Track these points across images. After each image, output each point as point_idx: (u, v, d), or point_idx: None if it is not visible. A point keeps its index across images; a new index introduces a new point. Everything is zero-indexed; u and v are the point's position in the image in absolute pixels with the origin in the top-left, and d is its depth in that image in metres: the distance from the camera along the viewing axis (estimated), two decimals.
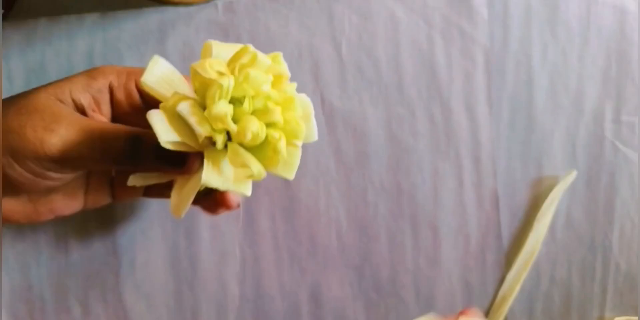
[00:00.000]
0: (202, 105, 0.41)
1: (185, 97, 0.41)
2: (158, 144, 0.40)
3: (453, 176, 0.60)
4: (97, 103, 0.46)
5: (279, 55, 0.43)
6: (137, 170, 0.46)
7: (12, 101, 0.45)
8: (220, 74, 0.40)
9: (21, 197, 0.46)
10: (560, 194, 0.61)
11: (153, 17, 0.57)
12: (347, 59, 0.58)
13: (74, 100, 0.45)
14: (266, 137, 0.40)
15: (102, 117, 0.47)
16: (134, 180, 0.46)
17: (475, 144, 0.60)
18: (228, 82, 0.39)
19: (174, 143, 0.40)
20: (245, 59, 0.41)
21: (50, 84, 0.46)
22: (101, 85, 0.46)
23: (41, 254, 0.57)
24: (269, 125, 0.40)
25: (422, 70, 0.59)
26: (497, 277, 0.61)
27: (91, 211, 0.51)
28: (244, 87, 0.40)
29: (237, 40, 0.57)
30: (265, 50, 0.57)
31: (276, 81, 0.42)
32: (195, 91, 0.42)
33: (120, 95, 0.47)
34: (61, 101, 0.44)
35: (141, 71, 0.44)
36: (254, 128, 0.39)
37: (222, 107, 0.39)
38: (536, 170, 0.61)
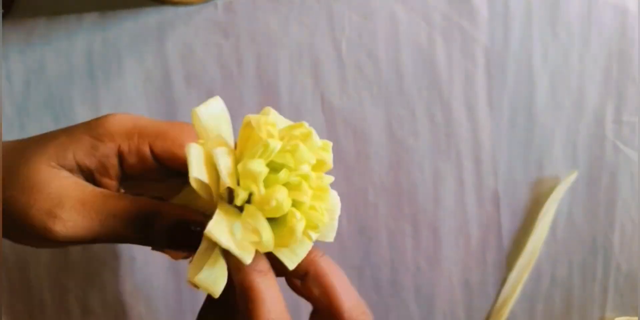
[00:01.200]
0: (238, 159, 0.39)
1: (226, 144, 0.40)
2: (171, 225, 0.39)
3: (453, 176, 0.60)
4: (104, 167, 0.42)
5: (330, 145, 0.41)
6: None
7: (12, 169, 0.41)
8: (270, 135, 0.39)
9: None
10: (561, 194, 0.61)
11: (152, 16, 0.57)
12: (347, 59, 0.58)
13: (78, 164, 0.41)
14: (287, 214, 0.38)
15: (110, 182, 0.43)
16: None
17: (475, 144, 0.60)
18: (275, 144, 0.38)
19: (198, 183, 0.38)
20: (298, 132, 0.40)
21: (49, 144, 0.41)
22: (109, 150, 0.41)
23: (41, 254, 0.57)
24: (294, 204, 0.38)
25: (423, 69, 0.59)
26: (497, 278, 0.61)
27: None
28: (287, 157, 0.38)
29: (237, 40, 0.57)
30: (265, 50, 0.58)
31: (317, 167, 0.40)
32: (238, 143, 0.40)
33: (132, 160, 0.42)
34: (63, 166, 0.41)
35: (154, 132, 0.42)
36: (281, 197, 0.37)
37: (259, 166, 0.37)
38: (537, 170, 0.61)
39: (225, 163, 0.38)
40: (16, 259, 0.56)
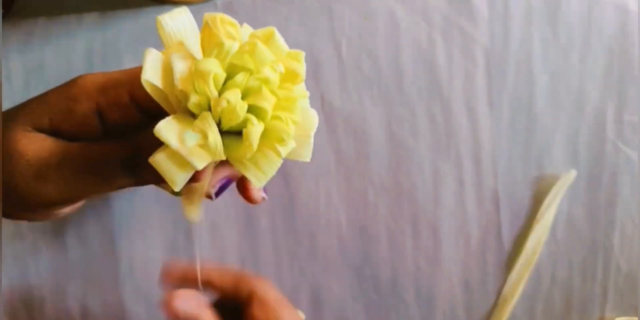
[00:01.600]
0: None
1: (186, 52, 0.36)
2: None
3: (453, 176, 0.60)
4: (84, 126, 0.40)
5: (302, 54, 0.39)
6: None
7: None
8: (230, 36, 0.36)
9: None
10: (561, 193, 0.61)
11: (152, 16, 0.57)
12: (347, 59, 0.58)
13: (56, 128, 0.40)
14: (244, 121, 0.36)
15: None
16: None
17: (475, 144, 0.60)
18: (232, 44, 0.36)
19: (152, 88, 0.36)
20: (261, 33, 0.38)
21: (22, 108, 0.41)
22: (87, 110, 0.39)
23: (41, 254, 0.57)
24: (255, 112, 0.36)
25: (423, 70, 0.59)
26: (497, 278, 0.61)
27: (90, 211, 0.51)
28: (245, 58, 0.36)
29: None
30: None
31: (287, 77, 0.38)
32: (202, 49, 0.38)
33: (113, 114, 0.40)
34: (41, 130, 0.40)
35: (128, 80, 0.40)
36: (233, 99, 0.35)
37: (210, 65, 0.35)
38: (537, 171, 0.61)
39: (180, 67, 0.35)
40: (16, 259, 0.56)
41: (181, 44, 0.37)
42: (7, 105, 0.55)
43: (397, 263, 0.60)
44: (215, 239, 0.58)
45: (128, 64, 0.57)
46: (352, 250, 0.60)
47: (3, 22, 0.56)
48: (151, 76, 0.35)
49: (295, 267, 0.59)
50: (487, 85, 0.59)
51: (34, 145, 0.39)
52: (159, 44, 0.57)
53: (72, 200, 0.41)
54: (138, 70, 0.37)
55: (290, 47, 0.58)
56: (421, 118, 0.59)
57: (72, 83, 0.40)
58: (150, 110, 0.40)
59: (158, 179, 0.37)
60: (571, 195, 0.61)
